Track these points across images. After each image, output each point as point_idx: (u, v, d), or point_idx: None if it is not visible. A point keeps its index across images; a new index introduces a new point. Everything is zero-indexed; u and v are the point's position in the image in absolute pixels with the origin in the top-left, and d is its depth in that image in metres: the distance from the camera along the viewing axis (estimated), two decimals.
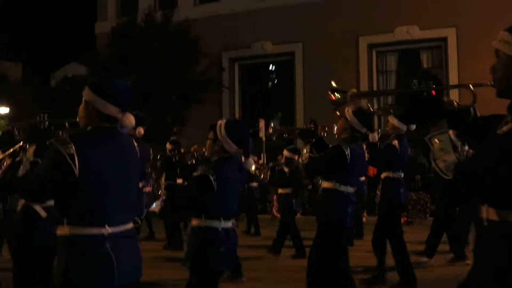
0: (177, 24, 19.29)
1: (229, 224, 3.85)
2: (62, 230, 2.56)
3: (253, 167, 7.41)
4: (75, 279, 2.49)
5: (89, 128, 2.68)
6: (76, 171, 2.47)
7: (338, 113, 5.19)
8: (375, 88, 19.93)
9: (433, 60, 19.94)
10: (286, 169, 8.75)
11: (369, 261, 6.83)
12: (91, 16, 25.19)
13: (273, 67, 22.62)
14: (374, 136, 5.69)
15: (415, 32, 19.00)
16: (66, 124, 3.62)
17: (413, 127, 6.11)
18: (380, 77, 20.51)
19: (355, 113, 5.18)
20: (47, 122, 2.93)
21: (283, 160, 9.04)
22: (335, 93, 3.09)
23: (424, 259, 7.59)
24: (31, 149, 2.72)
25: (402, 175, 6.39)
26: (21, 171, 2.66)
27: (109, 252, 2.52)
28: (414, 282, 6.03)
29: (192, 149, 6.20)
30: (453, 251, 7.75)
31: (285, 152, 8.76)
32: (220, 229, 3.79)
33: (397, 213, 6.55)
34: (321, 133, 5.57)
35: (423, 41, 19.27)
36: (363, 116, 5.25)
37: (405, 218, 12.28)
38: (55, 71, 31.13)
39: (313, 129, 5.58)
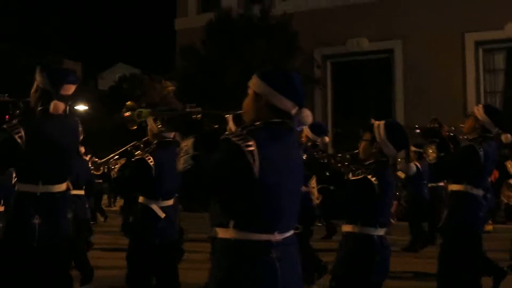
0: (277, 18, 19.26)
1: (382, 232, 3.74)
2: (226, 234, 2.45)
3: None
4: (236, 286, 2.41)
5: (260, 123, 2.52)
6: (256, 170, 2.35)
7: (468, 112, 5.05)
8: (482, 88, 19.16)
9: None
10: None
11: None
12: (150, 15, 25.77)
13: (369, 65, 22.27)
14: (507, 137, 5.46)
15: None
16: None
17: None
18: (487, 76, 19.70)
19: (486, 111, 4.99)
20: (200, 114, 2.82)
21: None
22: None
23: None
24: (188, 142, 2.58)
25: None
26: (180, 166, 2.51)
27: (274, 261, 2.42)
28: None
29: None
30: None
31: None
32: (375, 237, 3.67)
33: None
34: (445, 133, 5.42)
35: None
36: (495, 114, 5.05)
37: None
38: (102, 71, 32.50)
39: (437, 128, 5.44)
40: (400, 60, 20.38)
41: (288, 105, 2.53)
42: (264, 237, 2.42)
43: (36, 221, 3.53)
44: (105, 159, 5.92)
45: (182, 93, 18.41)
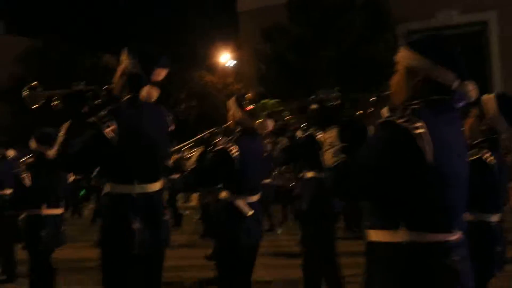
0: None
1: (497, 218, 3.48)
2: (394, 237, 2.18)
3: None
4: None
5: (419, 101, 2.24)
6: (429, 156, 2.07)
7: None
8: None
9: None
10: None
11: None
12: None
13: (460, 40, 21.23)
14: None
15: None
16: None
17: None
18: None
19: None
20: (338, 100, 2.58)
21: None
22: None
23: None
24: (333, 133, 2.35)
25: None
26: (329, 160, 2.27)
27: (456, 264, 2.18)
28: None
29: None
30: None
31: None
32: (493, 224, 3.43)
33: None
34: None
35: None
36: None
37: None
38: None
39: None
40: (495, 34, 19.29)
41: (450, 77, 2.25)
42: (443, 236, 2.18)
43: (135, 226, 3.18)
44: (177, 147, 5.50)
45: (272, 76, 18.15)
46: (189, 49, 30.76)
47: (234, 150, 4.21)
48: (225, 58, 29.84)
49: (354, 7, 18.06)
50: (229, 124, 4.58)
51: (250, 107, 2.87)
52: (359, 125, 2.54)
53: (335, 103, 2.62)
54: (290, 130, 6.19)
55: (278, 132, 5.63)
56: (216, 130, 4.84)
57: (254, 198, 4.43)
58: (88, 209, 16.57)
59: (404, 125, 2.10)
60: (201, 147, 4.62)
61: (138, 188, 3.25)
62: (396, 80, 2.40)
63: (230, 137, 4.40)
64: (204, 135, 4.83)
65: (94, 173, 13.22)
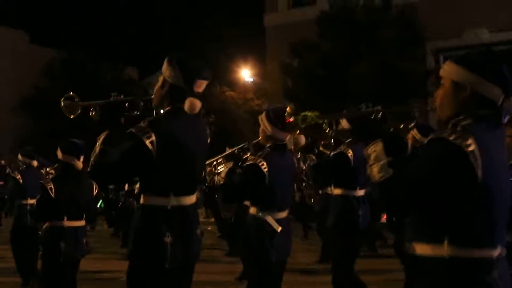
0: (398, 7, 18.58)
1: None
2: (438, 251, 2.20)
3: None
4: None
5: (465, 117, 2.29)
6: (479, 174, 2.12)
7: None
8: None
9: None
10: None
11: None
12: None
13: None
14: None
15: None
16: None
17: None
18: None
19: None
20: (380, 113, 2.60)
21: None
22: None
23: None
24: (378, 147, 2.38)
25: None
26: (376, 176, 2.30)
27: (497, 282, 2.19)
28: None
29: None
30: None
31: None
32: None
33: None
34: None
35: None
36: None
37: None
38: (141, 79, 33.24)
39: None
40: None
41: (496, 93, 2.29)
42: (486, 253, 2.20)
43: (168, 239, 3.13)
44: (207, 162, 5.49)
45: (300, 91, 18.15)
46: (209, 64, 31.01)
47: (265, 165, 4.21)
48: (246, 74, 30.14)
49: (387, 23, 18.02)
50: (259, 140, 4.59)
51: (290, 119, 2.85)
52: (400, 139, 2.54)
53: (378, 117, 2.61)
54: (317, 146, 6.20)
55: (306, 148, 5.64)
56: (246, 146, 4.84)
57: (283, 214, 4.43)
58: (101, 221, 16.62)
59: (456, 142, 2.13)
60: (230, 162, 4.62)
61: (173, 201, 3.20)
62: (442, 95, 2.43)
63: (260, 153, 4.40)
64: (234, 150, 4.83)
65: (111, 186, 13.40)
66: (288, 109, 2.96)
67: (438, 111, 2.46)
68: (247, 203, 7.75)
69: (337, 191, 5.78)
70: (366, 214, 5.76)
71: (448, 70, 2.40)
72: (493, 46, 19.73)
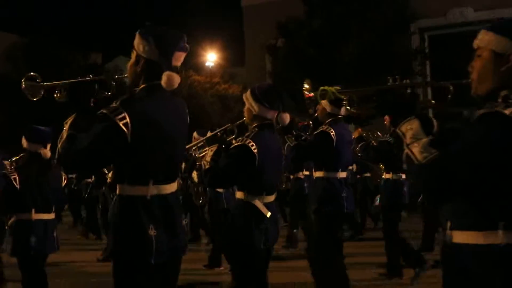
0: None
1: None
2: (490, 238, 2.11)
3: None
4: None
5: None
6: None
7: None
8: None
9: None
10: None
11: None
12: None
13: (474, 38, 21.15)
14: None
15: None
16: None
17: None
18: None
19: None
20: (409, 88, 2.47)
21: None
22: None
23: None
24: (414, 124, 2.29)
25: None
26: (418, 156, 2.18)
27: None
28: None
29: None
30: None
31: None
32: None
33: None
34: None
35: None
36: None
37: None
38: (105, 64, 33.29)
39: None
40: None
41: None
42: None
43: (152, 232, 2.93)
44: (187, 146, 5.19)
45: (290, 70, 18.03)
46: None
47: (254, 146, 4.07)
48: (212, 57, 30.19)
49: (375, 3, 18.04)
50: (244, 120, 4.46)
51: (310, 94, 2.74)
52: (427, 116, 2.45)
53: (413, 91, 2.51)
54: (295, 127, 6.11)
55: (284, 129, 5.53)
56: (229, 127, 4.70)
57: (271, 198, 4.31)
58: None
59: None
60: (214, 145, 4.47)
61: (153, 189, 2.98)
62: (480, 67, 2.31)
63: (248, 133, 4.24)
64: (217, 132, 4.69)
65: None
66: (306, 84, 2.85)
67: (474, 85, 2.34)
68: (219, 190, 7.85)
69: (318, 174, 5.73)
70: (349, 196, 5.73)
71: (486, 40, 2.28)
72: (478, 24, 19.89)
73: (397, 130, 2.37)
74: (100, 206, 10.12)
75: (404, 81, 2.72)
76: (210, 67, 30.58)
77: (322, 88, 2.75)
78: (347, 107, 3.10)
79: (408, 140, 2.28)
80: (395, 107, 2.51)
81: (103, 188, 9.91)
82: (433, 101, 2.86)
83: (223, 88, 30.06)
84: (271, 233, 4.26)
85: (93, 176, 11.74)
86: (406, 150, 2.27)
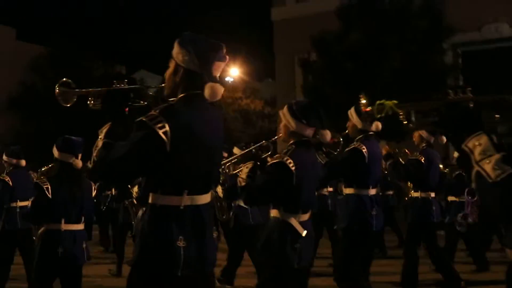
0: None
1: None
2: None
3: None
4: None
5: None
6: None
7: None
8: None
9: None
10: None
11: None
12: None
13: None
14: None
15: None
16: None
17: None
18: None
19: None
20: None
21: None
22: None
23: None
24: (482, 140, 2.25)
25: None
26: (492, 172, 2.14)
27: None
28: None
29: None
30: None
31: None
32: None
33: None
34: None
35: None
36: None
37: None
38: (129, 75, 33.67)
39: None
40: None
41: None
42: None
43: (181, 243, 2.88)
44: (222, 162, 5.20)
45: (326, 84, 18.01)
46: None
47: (292, 163, 4.10)
48: (235, 72, 30.41)
49: (412, 12, 17.96)
50: (280, 136, 4.49)
51: (367, 109, 2.72)
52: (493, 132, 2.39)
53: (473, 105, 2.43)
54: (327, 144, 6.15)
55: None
56: (264, 143, 4.73)
57: (306, 216, 4.32)
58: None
59: None
60: (250, 162, 4.49)
61: (187, 200, 2.94)
62: None
63: (285, 150, 4.27)
64: (251, 149, 4.71)
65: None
66: (362, 98, 2.86)
67: None
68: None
69: (348, 190, 5.76)
70: (379, 214, 5.74)
71: None
72: None
73: (463, 147, 2.31)
74: (119, 219, 10.13)
75: (469, 95, 2.59)
76: (230, 81, 30.71)
77: (379, 102, 2.71)
78: (404, 121, 2.95)
79: (477, 156, 2.23)
80: (460, 122, 2.44)
81: (126, 201, 9.98)
82: (497, 116, 2.62)
83: (245, 103, 30.16)
84: (306, 253, 4.26)
85: (113, 189, 11.75)
86: (476, 168, 2.21)
